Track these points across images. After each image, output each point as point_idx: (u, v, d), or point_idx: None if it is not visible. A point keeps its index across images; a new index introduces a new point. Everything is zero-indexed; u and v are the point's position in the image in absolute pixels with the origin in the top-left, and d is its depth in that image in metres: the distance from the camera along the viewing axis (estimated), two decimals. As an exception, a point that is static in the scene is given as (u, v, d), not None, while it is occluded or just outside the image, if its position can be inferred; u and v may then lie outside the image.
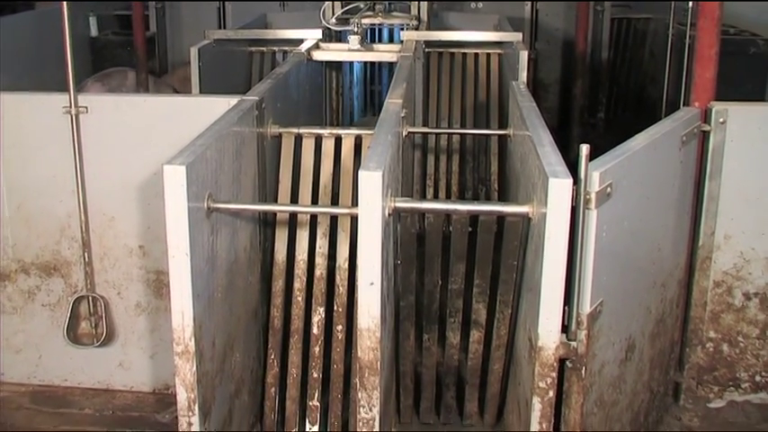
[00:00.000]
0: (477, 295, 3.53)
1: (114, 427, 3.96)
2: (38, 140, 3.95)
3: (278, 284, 3.70)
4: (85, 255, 4.05)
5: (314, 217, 3.73)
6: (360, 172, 2.61)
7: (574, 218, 2.64)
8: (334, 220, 3.73)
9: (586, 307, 2.80)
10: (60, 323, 4.17)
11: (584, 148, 2.61)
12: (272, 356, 3.71)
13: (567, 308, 2.74)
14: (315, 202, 3.80)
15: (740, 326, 3.92)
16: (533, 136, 3.04)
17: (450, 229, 3.54)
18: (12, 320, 4.26)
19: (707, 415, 3.93)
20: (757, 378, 3.97)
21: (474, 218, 3.46)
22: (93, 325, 4.15)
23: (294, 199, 3.81)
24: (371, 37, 6.78)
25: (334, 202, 3.81)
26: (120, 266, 4.09)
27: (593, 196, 2.68)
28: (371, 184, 2.60)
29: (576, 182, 2.62)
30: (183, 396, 2.92)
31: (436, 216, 3.44)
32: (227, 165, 3.13)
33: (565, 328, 2.77)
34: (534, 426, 2.78)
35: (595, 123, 8.39)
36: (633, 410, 3.45)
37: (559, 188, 2.56)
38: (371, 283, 2.68)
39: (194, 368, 2.89)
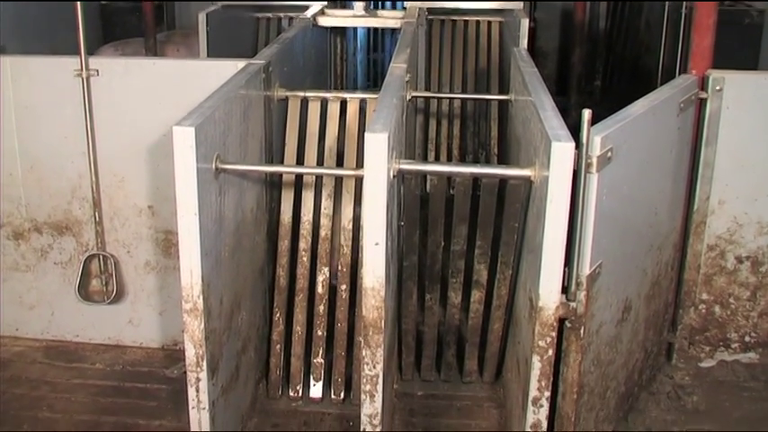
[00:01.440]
0: (479, 256, 3.59)
1: (124, 381, 4.04)
2: (50, 103, 4.00)
3: (284, 244, 3.78)
4: (96, 214, 4.12)
5: (319, 178, 3.80)
6: (366, 134, 2.67)
7: (575, 181, 2.70)
8: (339, 181, 3.80)
9: (586, 269, 2.86)
10: (72, 281, 4.25)
11: (587, 113, 2.65)
12: (278, 315, 3.79)
13: (566, 269, 2.81)
14: (320, 164, 3.87)
15: (732, 288, 4.00)
16: (535, 101, 3.09)
17: (453, 191, 3.59)
18: (25, 278, 4.34)
19: (698, 374, 4.02)
20: (747, 339, 4.06)
21: (476, 181, 3.52)
22: (104, 283, 4.24)
23: (300, 161, 3.88)
24: (375, 5, 6.80)
25: (339, 164, 3.88)
26: (130, 226, 4.16)
27: (594, 160, 2.73)
28: (377, 145, 2.66)
29: (578, 146, 2.68)
30: (191, 352, 3.00)
31: (439, 178, 3.49)
32: (234, 127, 3.20)
33: (564, 289, 2.84)
34: (533, 383, 2.87)
35: (592, 91, 8.44)
36: (628, 369, 3.54)
37: (562, 152, 2.62)
38: (376, 244, 2.75)
39: (202, 325, 2.97)
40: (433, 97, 5.67)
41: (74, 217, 4.19)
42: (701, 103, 3.71)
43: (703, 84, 3.69)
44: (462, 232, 3.54)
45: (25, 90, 4.00)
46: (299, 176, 3.79)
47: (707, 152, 3.76)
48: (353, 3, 5.46)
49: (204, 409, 3.04)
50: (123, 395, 3.91)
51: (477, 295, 3.70)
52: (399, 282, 3.62)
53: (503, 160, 4.90)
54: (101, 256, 4.21)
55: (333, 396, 3.78)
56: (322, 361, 3.78)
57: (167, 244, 4.15)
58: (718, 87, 3.67)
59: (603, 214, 2.86)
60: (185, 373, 3.05)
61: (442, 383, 3.96)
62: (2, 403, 3.85)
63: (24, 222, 4.26)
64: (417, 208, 3.51)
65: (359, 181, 3.60)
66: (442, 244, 3.61)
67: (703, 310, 4.03)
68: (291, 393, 3.81)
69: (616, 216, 3.01)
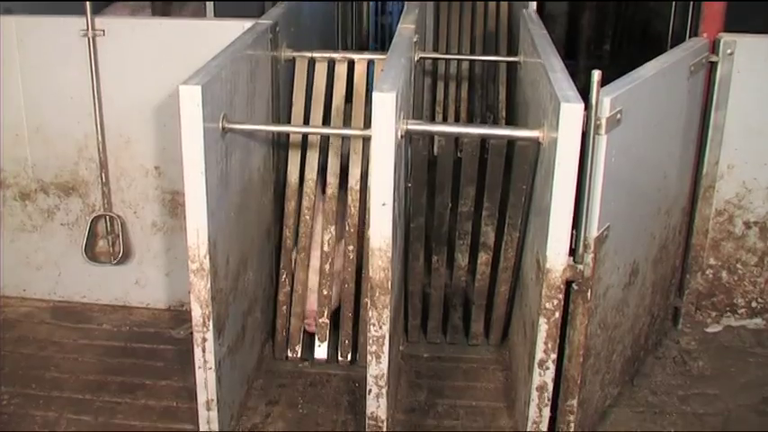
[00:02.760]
0: (486, 218, 3.58)
1: (131, 342, 4.05)
2: (56, 63, 3.98)
3: (290, 205, 3.77)
4: (102, 175, 4.11)
5: (326, 139, 3.78)
6: (374, 93, 2.65)
7: (583, 143, 2.69)
8: (346, 142, 3.79)
9: (593, 231, 2.85)
10: (78, 241, 4.26)
11: (596, 74, 2.63)
12: (284, 275, 3.79)
13: (574, 231, 2.81)
14: (327, 124, 3.85)
15: (739, 254, 3.99)
16: (545, 62, 3.07)
17: (460, 155, 3.58)
18: (32, 238, 4.35)
19: (704, 339, 4.02)
20: (753, 304, 4.06)
21: (484, 144, 3.50)
22: (111, 243, 4.24)
23: (307, 122, 3.86)
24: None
25: (346, 124, 3.86)
26: (137, 187, 4.16)
27: (603, 122, 2.71)
28: (385, 104, 2.64)
29: (587, 107, 2.66)
30: (197, 312, 3.01)
31: (447, 140, 3.48)
32: (241, 87, 3.18)
33: (572, 252, 2.84)
34: (540, 345, 2.87)
35: (601, 55, 8.35)
36: (634, 333, 3.54)
37: (571, 113, 2.60)
38: (383, 204, 2.74)
39: (209, 285, 2.97)
40: (441, 59, 5.63)
41: (80, 178, 4.19)
42: (712, 67, 3.68)
43: (714, 47, 3.66)
44: (470, 194, 3.52)
45: (31, 50, 3.98)
46: (306, 137, 3.78)
47: (717, 116, 3.73)
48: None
49: (210, 369, 3.05)
50: (130, 355, 3.93)
51: (484, 257, 3.70)
52: (406, 243, 3.61)
53: (510, 123, 4.87)
54: (107, 217, 4.21)
55: (339, 358, 3.78)
56: (327, 321, 3.78)
57: (174, 205, 4.15)
58: (729, 51, 3.64)
59: (612, 176, 2.84)
60: (191, 333, 3.07)
61: (448, 346, 3.97)
62: (9, 363, 3.87)
63: (31, 183, 4.25)
64: (425, 169, 3.49)
65: (366, 142, 3.59)
66: (450, 206, 3.60)
67: (710, 276, 4.03)
68: (295, 355, 3.83)
69: (624, 179, 2.99)
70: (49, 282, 4.41)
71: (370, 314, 2.88)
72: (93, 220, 4.22)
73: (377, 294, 2.85)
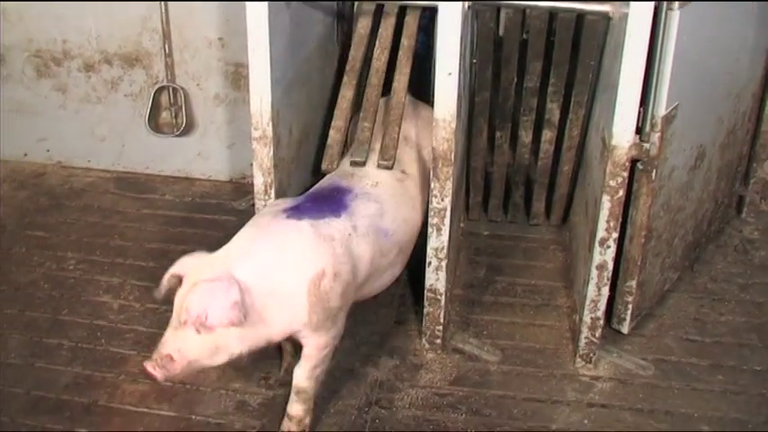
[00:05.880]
0: (552, 95, 3.52)
1: (193, 212, 4.11)
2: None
3: (352, 77, 3.72)
4: (166, 46, 4.11)
5: (391, 9, 3.70)
6: (442, -37, 2.58)
7: (655, 19, 2.61)
8: (409, 12, 3.70)
9: (662, 109, 2.80)
10: (142, 113, 4.29)
11: (671, -52, 2.55)
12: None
13: (641, 109, 2.75)
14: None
15: (809, 142, 3.90)
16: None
17: (526, 35, 3.50)
18: (96, 110, 4.39)
19: (767, 229, 3.96)
20: (819, 194, 3.97)
21: (551, 24, 3.41)
22: (174, 115, 4.27)
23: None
24: None
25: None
26: (200, 58, 4.15)
27: (676, -4, 2.62)
28: (452, -26, 2.57)
29: (661, -18, 2.57)
30: (259, 180, 3.03)
31: (515, 12, 3.39)
32: (306, -44, 3.14)
33: (638, 130, 2.79)
34: (602, 224, 2.85)
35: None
36: (697, 218, 3.50)
37: (643, -14, 2.52)
38: (449, 74, 2.71)
39: (271, 153, 2.98)
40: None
41: (144, 49, 4.20)
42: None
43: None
44: (536, 69, 3.46)
45: None
46: (371, 7, 3.70)
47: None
48: None
49: (272, 237, 3.07)
50: (191, 225, 3.99)
51: (548, 135, 3.65)
52: (470, 119, 3.57)
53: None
54: (170, 89, 4.23)
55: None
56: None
57: (237, 77, 4.14)
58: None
59: (682, 55, 2.77)
60: (253, 204, 3.09)
61: (508, 224, 3.97)
62: (75, 231, 3.96)
63: (95, 54, 4.27)
64: (491, 42, 3.42)
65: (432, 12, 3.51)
66: (515, 81, 3.54)
67: (778, 165, 3.95)
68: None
69: (695, 58, 2.91)
70: (113, 153, 4.47)
71: (433, 185, 2.87)
72: (156, 92, 4.24)
73: (440, 165, 2.84)
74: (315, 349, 2.65)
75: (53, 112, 4.44)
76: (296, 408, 2.73)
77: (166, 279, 2.49)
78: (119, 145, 4.44)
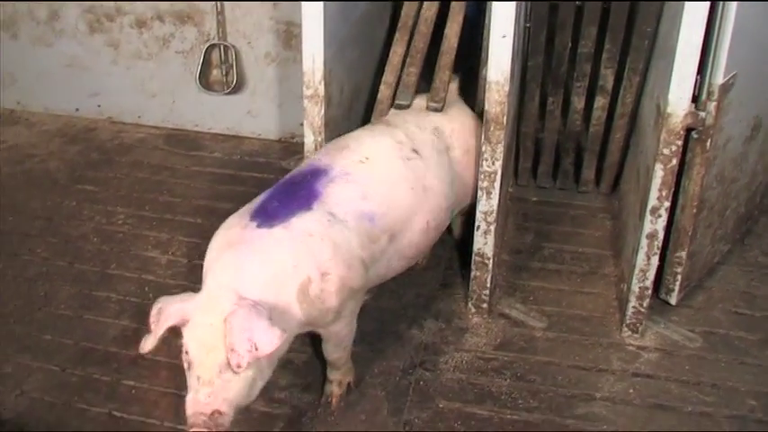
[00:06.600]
0: (606, 61, 3.47)
1: (241, 170, 4.12)
2: None
3: (403, 40, 3.70)
4: (218, 4, 4.11)
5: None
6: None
7: (716, -15, 2.55)
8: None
9: (719, 77, 2.74)
10: (193, 70, 4.30)
11: None
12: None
13: (698, 77, 2.70)
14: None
15: None
16: None
17: (580, 2, 3.45)
18: (147, 66, 4.42)
19: (822, 203, 3.89)
20: None
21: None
22: (224, 73, 4.28)
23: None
24: None
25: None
26: (252, 16, 4.15)
27: (737, -39, 2.56)
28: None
29: (722, -55, 2.52)
30: (309, 139, 3.03)
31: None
32: None
33: (695, 99, 2.74)
34: (654, 192, 2.81)
35: None
36: (750, 190, 3.44)
37: (705, -51, 2.46)
38: (504, 36, 2.68)
39: (322, 112, 2.97)
40: None
41: (195, 6, 4.20)
42: None
43: None
44: (591, 34, 3.41)
45: None
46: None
47: None
48: None
49: (320, 196, 3.07)
50: (240, 183, 4.01)
51: (601, 102, 3.60)
52: (522, 83, 3.54)
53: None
54: (222, 47, 4.23)
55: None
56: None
57: (288, 36, 4.13)
58: None
59: (742, 23, 2.70)
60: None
61: (557, 191, 3.94)
62: (125, 186, 3.99)
63: (147, 11, 4.29)
64: (546, 7, 3.38)
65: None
66: (569, 46, 3.49)
67: (835, 137, 3.86)
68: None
69: (755, 28, 2.84)
70: (164, 109, 4.49)
71: (484, 149, 2.85)
72: (207, 49, 4.25)
73: (491, 129, 2.81)
74: (332, 334, 2.60)
75: (105, 68, 4.47)
76: (334, 374, 2.75)
77: (160, 331, 2.26)
78: (169, 102, 4.46)
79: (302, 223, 2.43)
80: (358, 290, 2.58)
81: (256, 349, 2.11)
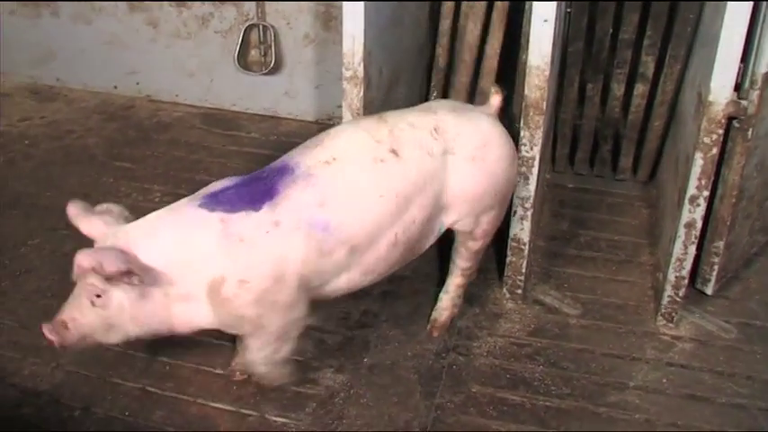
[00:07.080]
0: (647, 48, 3.44)
1: (278, 151, 4.03)
2: None
3: (445, 24, 3.69)
4: (258, -16, 4.12)
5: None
6: None
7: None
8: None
9: (763, 66, 2.70)
10: (231, 50, 4.31)
11: None
12: (434, 94, 3.76)
13: (742, 65, 2.66)
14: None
15: None
16: None
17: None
18: (186, 45, 4.43)
19: None
20: None
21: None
22: (263, 53, 4.29)
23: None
24: None
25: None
26: (292, -2, 4.15)
27: (785, -53, 2.52)
28: None
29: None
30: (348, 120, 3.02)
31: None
32: None
33: (737, 87, 2.70)
34: (693, 181, 2.78)
35: None
36: (791, 182, 3.41)
37: (750, -66, 2.43)
38: (545, 20, 2.66)
39: (361, 94, 2.96)
40: None
41: (236, -16, 4.20)
42: None
43: None
44: (633, 20, 3.38)
45: None
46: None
47: None
48: None
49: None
50: (277, 164, 3.99)
51: (640, 89, 3.58)
52: (562, 68, 3.51)
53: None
54: (261, 27, 4.23)
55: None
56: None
57: (327, 17, 4.13)
58: None
59: (788, 11, 2.67)
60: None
61: (594, 178, 3.92)
62: (162, 164, 4.01)
63: (184, -12, 4.30)
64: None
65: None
66: (611, 31, 3.47)
67: None
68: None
69: (801, 16, 2.80)
70: (201, 88, 4.50)
71: (522, 134, 2.84)
72: (246, 29, 4.25)
73: (530, 114, 2.80)
74: (254, 349, 2.53)
75: (144, 46, 4.49)
76: (243, 362, 2.68)
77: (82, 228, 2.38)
78: (207, 81, 4.47)
79: (239, 224, 2.31)
80: (289, 305, 2.41)
81: (100, 267, 2.16)
